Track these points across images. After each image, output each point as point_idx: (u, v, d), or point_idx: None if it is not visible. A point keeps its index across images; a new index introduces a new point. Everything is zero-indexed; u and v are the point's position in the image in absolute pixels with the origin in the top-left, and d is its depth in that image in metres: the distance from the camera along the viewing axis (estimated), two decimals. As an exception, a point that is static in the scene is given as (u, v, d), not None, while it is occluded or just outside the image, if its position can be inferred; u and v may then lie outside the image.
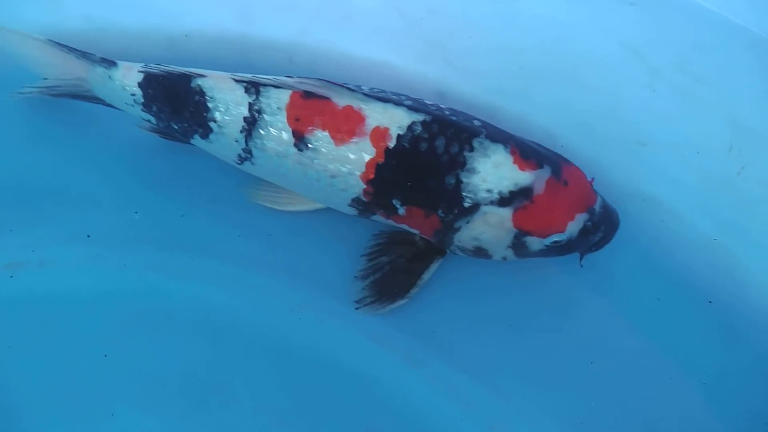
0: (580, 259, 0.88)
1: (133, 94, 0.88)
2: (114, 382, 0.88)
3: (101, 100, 0.92)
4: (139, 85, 0.87)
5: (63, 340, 0.89)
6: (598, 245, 0.86)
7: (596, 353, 0.90)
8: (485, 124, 0.83)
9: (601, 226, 0.84)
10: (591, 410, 0.90)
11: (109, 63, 0.89)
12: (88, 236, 0.93)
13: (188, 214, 0.95)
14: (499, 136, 0.81)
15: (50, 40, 0.90)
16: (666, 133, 0.95)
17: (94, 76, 0.89)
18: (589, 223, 0.83)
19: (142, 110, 0.89)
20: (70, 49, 0.90)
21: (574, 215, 0.82)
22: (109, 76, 0.88)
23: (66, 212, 0.94)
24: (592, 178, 0.85)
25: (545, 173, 0.80)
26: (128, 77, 0.88)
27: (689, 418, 0.91)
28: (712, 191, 0.94)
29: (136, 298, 0.92)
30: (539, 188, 0.80)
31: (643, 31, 0.95)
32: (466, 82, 0.98)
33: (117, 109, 0.92)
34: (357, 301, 0.90)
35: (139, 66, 0.88)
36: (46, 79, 0.92)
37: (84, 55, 0.90)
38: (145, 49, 0.99)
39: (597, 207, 0.84)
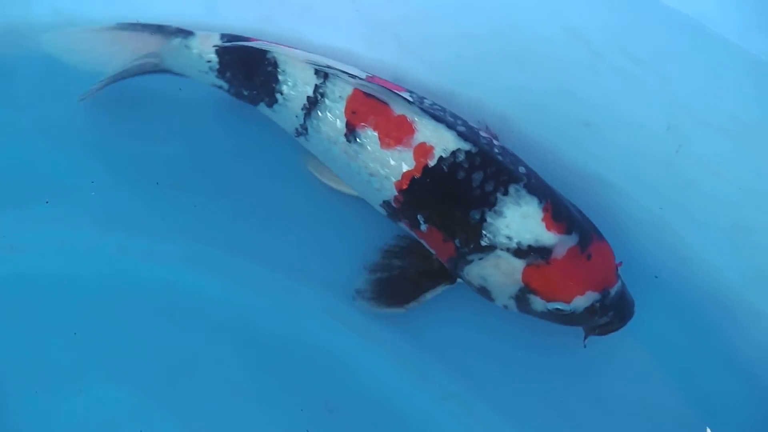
0: (584, 339, 0.87)
1: (209, 61, 0.91)
2: (84, 360, 0.92)
3: (169, 70, 0.94)
4: (216, 51, 0.91)
5: (34, 320, 0.93)
6: (603, 330, 0.85)
7: (546, 327, 0.91)
8: (530, 174, 0.84)
9: (610, 312, 0.83)
10: (543, 384, 0.94)
11: (186, 33, 0.92)
12: (58, 220, 0.96)
13: (153, 197, 0.98)
14: (538, 190, 0.82)
15: (120, 24, 0.91)
16: (608, 114, 0.98)
17: (168, 48, 0.92)
18: (598, 305, 0.82)
19: (216, 77, 0.92)
20: (144, 26, 0.92)
21: (585, 291, 0.81)
22: (186, 46, 0.91)
23: (35, 197, 0.97)
24: (620, 262, 0.85)
25: (571, 240, 0.81)
26: (206, 44, 0.91)
27: (637, 388, 0.94)
28: (654, 169, 0.97)
29: (105, 280, 0.95)
30: (559, 253, 0.80)
31: (585, 15, 0.98)
32: (422, 69, 1.01)
33: (184, 76, 0.94)
34: (357, 291, 0.91)
35: (216, 36, 0.91)
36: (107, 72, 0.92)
37: (159, 29, 0.91)
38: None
39: (612, 291, 0.83)
